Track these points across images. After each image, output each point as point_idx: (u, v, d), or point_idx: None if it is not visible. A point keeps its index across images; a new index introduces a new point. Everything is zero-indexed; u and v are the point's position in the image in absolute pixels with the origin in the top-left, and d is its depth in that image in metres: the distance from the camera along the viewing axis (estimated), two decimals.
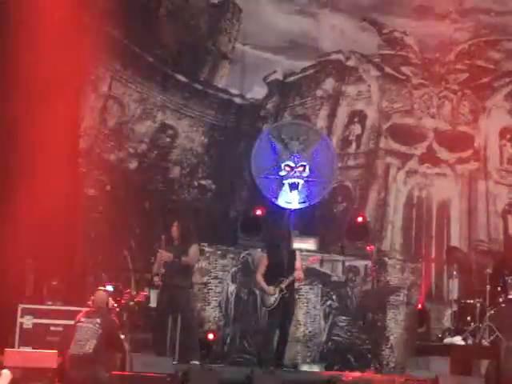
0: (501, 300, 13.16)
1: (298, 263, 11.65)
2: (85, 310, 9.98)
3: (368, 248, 13.74)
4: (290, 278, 11.45)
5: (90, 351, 9.41)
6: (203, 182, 15.17)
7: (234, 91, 15.43)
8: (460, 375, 11.42)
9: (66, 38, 12.55)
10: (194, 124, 15.27)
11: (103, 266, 13.68)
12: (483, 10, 15.99)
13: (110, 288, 11.30)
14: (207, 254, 12.89)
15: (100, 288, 10.47)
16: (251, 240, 13.40)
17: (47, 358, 10.07)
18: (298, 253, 11.83)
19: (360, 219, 14.22)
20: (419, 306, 13.65)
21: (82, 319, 9.67)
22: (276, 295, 11.38)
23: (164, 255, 11.09)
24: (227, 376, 10.45)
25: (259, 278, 11.64)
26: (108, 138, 14.66)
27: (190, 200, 15.06)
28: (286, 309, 11.44)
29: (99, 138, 14.57)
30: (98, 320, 9.59)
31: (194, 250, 11.48)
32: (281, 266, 11.52)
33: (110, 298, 10.37)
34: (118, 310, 11.11)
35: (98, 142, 14.54)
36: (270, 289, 11.40)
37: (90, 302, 10.26)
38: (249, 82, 15.53)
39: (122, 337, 10.20)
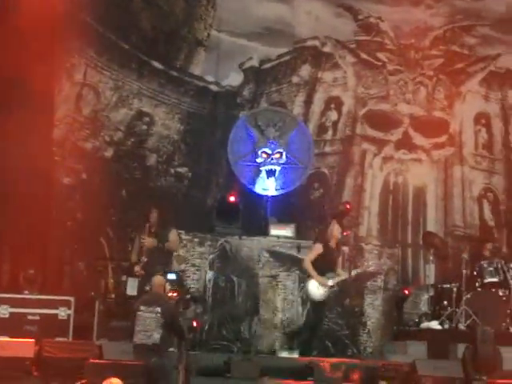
0: (477, 284, 13.27)
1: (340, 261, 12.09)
2: (143, 297, 9.99)
3: (345, 234, 13.73)
4: (342, 278, 11.75)
5: (158, 341, 9.38)
6: (180, 169, 15.14)
7: (210, 78, 15.40)
8: (437, 359, 11.50)
9: (40, 26, 12.47)
10: (170, 111, 15.23)
11: (80, 255, 13.65)
12: None
13: (172, 276, 11.28)
14: (184, 242, 12.83)
15: (158, 274, 10.42)
16: (228, 227, 13.36)
17: (24, 346, 10.07)
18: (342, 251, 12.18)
19: (348, 206, 14.23)
20: (405, 291, 13.74)
21: (142, 307, 9.56)
22: (326, 289, 11.59)
23: (148, 241, 11.09)
24: (205, 363, 10.49)
25: (309, 264, 11.74)
26: (83, 126, 14.60)
27: (166, 187, 15.04)
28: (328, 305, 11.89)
29: (74, 127, 14.50)
30: (158, 309, 9.50)
31: (174, 234, 11.51)
32: (332, 262, 11.79)
33: (167, 284, 10.34)
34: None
35: (73, 131, 14.48)
36: (323, 280, 11.58)
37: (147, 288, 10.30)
38: (224, 69, 15.50)
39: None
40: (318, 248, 11.83)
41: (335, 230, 11.99)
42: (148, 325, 9.41)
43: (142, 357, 9.37)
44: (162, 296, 9.87)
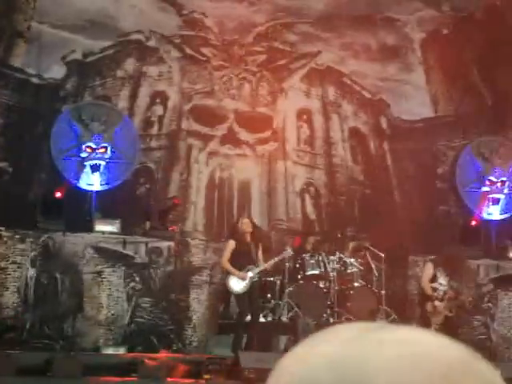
0: (299, 277, 13.57)
1: (260, 254, 12.07)
2: None
3: (171, 229, 13.74)
4: (261, 268, 11.95)
5: None
6: None
7: (31, 71, 14.99)
8: (260, 351, 11.68)
9: None
10: None
11: None
12: None
13: None
14: (5, 239, 12.47)
15: None
16: (52, 223, 13.08)
17: None
18: (260, 245, 12.21)
19: (176, 201, 14.22)
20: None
21: None
22: (246, 281, 11.71)
23: None
24: (25, 362, 10.22)
25: (226, 263, 11.93)
26: None
27: None
28: (254, 296, 11.95)
29: None
30: None
31: None
32: (248, 253, 11.87)
33: None
34: None
35: None
36: (241, 274, 11.73)
37: None
38: (47, 62, 15.14)
39: None
40: (231, 244, 12.07)
41: (244, 224, 12.16)
42: None
43: None
44: None
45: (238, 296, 12.02)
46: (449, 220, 15.84)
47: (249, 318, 12.07)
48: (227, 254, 12.08)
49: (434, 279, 11.93)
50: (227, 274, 12.06)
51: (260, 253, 12.16)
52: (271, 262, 12.31)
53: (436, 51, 16.77)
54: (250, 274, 11.88)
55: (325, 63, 16.52)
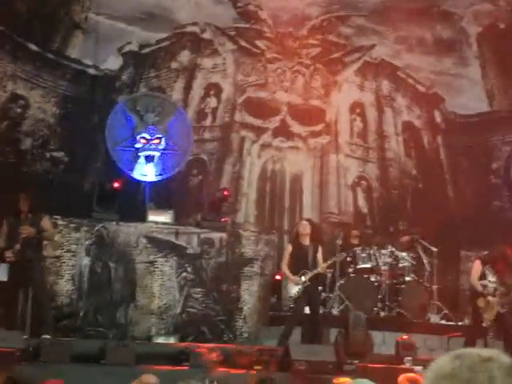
0: (350, 270, 13.57)
1: (319, 256, 12.13)
2: None
3: (223, 220, 13.80)
4: (314, 272, 11.97)
5: None
6: (56, 153, 14.88)
7: (88, 62, 15.17)
8: (310, 344, 11.71)
9: None
10: (46, 94, 14.94)
11: None
12: None
13: None
14: (60, 227, 12.63)
15: None
16: (106, 213, 13.21)
17: None
18: (320, 247, 12.31)
19: (226, 193, 14.28)
20: (277, 276, 13.91)
21: None
22: (300, 286, 11.87)
23: (28, 231, 10.88)
24: (79, 349, 10.38)
25: (284, 267, 12.23)
26: None
27: (42, 172, 14.76)
28: (312, 297, 12.05)
29: None
30: None
31: (47, 223, 11.32)
32: (305, 257, 12.01)
33: None
34: None
35: None
36: (295, 278, 11.93)
37: None
38: (103, 53, 15.30)
39: None
40: (288, 249, 12.41)
41: (301, 225, 12.35)
42: None
43: None
44: None
45: (295, 298, 12.11)
46: (502, 215, 15.68)
47: (307, 310, 12.16)
48: (285, 258, 12.28)
49: (482, 276, 11.83)
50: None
51: (319, 255, 12.18)
52: (324, 265, 12.33)
53: (492, 45, 16.59)
54: (303, 278, 11.94)
55: (379, 56, 16.46)
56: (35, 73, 14.77)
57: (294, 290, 12.01)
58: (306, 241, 12.21)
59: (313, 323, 12.08)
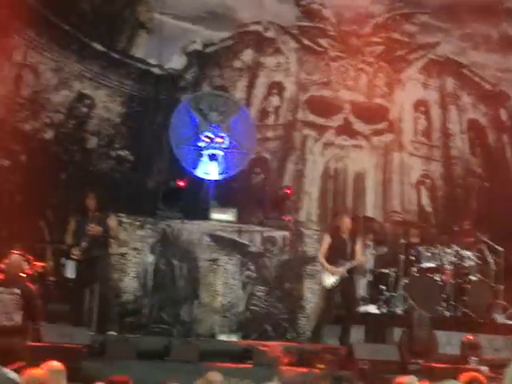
0: (414, 269, 13.47)
1: (358, 248, 12.11)
2: None
3: (286, 219, 13.81)
4: (353, 263, 11.96)
5: (20, 323, 9.37)
6: (121, 152, 15.05)
7: (153, 61, 15.32)
8: (374, 343, 11.66)
9: None
10: (111, 94, 15.12)
11: (18, 237, 13.48)
12: None
13: None
14: (125, 225, 12.78)
15: (14, 252, 10.23)
16: (170, 211, 13.32)
17: None
18: (359, 239, 12.32)
19: (288, 191, 14.30)
20: None
21: (0, 289, 9.49)
22: (337, 277, 11.82)
23: (95, 230, 11.03)
24: (144, 346, 10.48)
25: (321, 256, 12.15)
26: (23, 107, 14.42)
27: (107, 171, 14.95)
28: (347, 290, 11.99)
29: (13, 108, 14.33)
30: (17, 290, 9.45)
31: (113, 221, 11.46)
32: (344, 249, 11.97)
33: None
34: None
35: (12, 112, 14.29)
36: (332, 268, 11.86)
37: (2, 266, 10.00)
38: (167, 52, 15.42)
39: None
40: (326, 239, 12.24)
41: (342, 222, 12.27)
42: (8, 306, 9.40)
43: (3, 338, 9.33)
44: (18, 276, 9.78)
45: (328, 290, 12.02)
46: None
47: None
48: (323, 247, 12.17)
49: None
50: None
51: (358, 247, 12.09)
52: (362, 258, 12.26)
53: None
54: (341, 269, 11.86)
55: (444, 54, 16.30)
56: (101, 72, 14.97)
57: (329, 280, 11.91)
58: (346, 233, 12.15)
59: (347, 319, 12.02)
